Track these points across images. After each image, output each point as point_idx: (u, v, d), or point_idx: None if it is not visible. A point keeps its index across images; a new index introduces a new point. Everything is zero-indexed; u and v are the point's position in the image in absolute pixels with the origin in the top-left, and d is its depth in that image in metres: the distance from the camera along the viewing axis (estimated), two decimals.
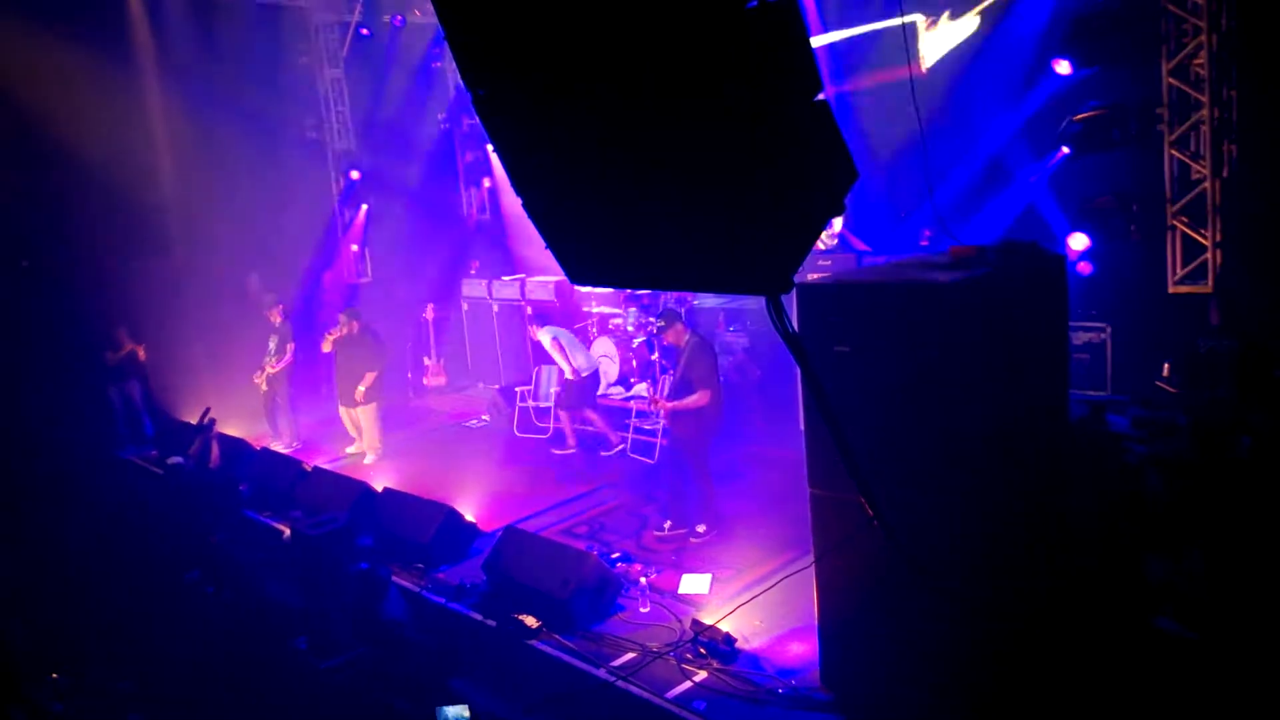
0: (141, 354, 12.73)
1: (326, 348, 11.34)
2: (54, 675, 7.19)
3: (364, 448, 11.56)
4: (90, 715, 7.22)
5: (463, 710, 5.99)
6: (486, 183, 15.93)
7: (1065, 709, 4.87)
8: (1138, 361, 8.68)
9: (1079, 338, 9.09)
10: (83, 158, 12.09)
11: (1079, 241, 9.19)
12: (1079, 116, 8.84)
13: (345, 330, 11.12)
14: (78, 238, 12.60)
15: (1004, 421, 4.89)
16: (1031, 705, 4.86)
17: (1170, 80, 8.32)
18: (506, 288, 13.52)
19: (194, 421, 10.80)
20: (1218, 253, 8.38)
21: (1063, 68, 8.97)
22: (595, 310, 11.98)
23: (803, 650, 6.04)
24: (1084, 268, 9.24)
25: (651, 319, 10.98)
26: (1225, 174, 8.24)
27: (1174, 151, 8.46)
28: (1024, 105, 9.89)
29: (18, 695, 6.60)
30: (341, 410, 11.55)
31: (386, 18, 14.82)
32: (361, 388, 11.08)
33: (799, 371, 3.88)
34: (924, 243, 10.37)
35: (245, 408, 12.25)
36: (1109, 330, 9.18)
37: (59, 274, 12.52)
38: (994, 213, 10.21)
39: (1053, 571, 5.21)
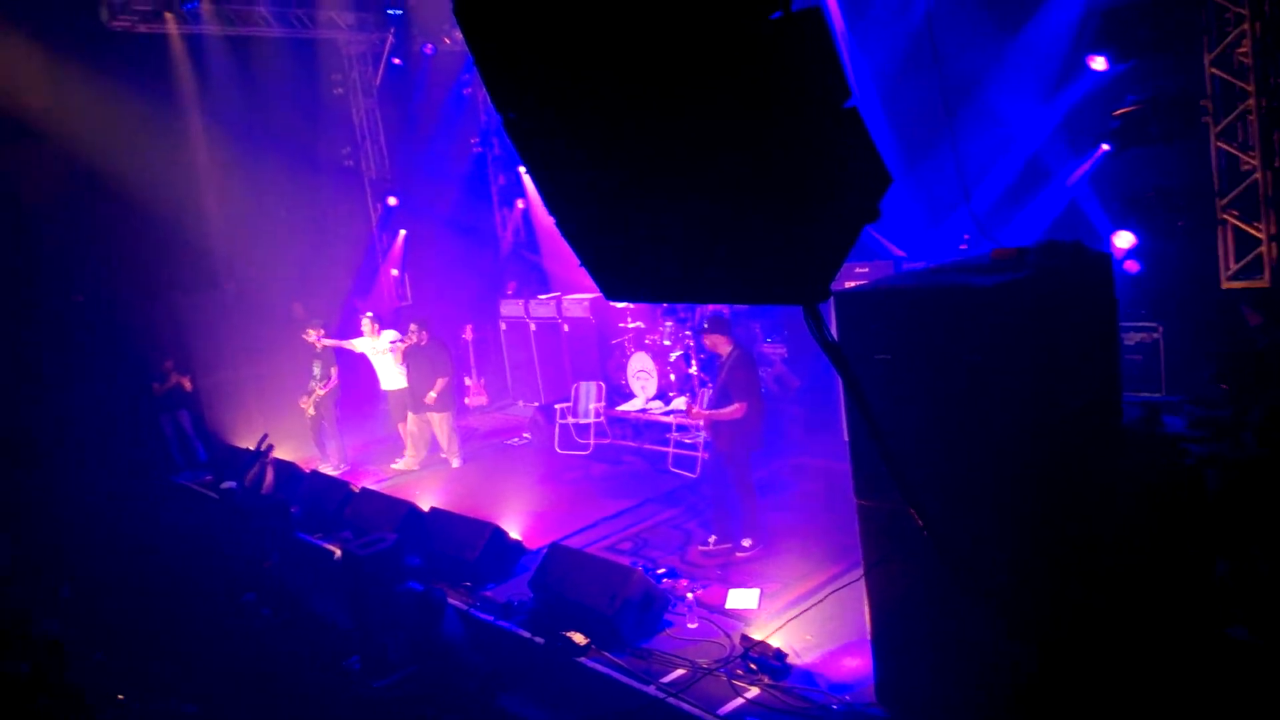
0: (187, 385, 13.07)
1: (398, 361, 11.71)
2: (120, 697, 7.31)
3: (413, 464, 11.87)
4: None
5: None
6: (520, 204, 16.07)
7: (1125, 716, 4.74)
8: (1192, 361, 8.47)
9: (1130, 338, 8.90)
10: (132, 195, 12.42)
11: (1124, 239, 9.01)
12: (1118, 112, 8.68)
13: (415, 339, 11.50)
14: (129, 273, 12.96)
15: (1054, 426, 4.80)
16: (1090, 715, 4.74)
17: (1213, 70, 8.14)
18: (543, 307, 13.60)
19: (249, 447, 11.01)
20: (1273, 246, 8.16)
21: (1098, 63, 8.83)
22: (631, 326, 11.99)
23: (856, 665, 5.94)
24: (1131, 266, 9.06)
25: (688, 332, 10.97)
26: (1277, 164, 8.04)
27: (1221, 143, 8.26)
28: (1060, 102, 9.73)
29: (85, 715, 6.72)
30: (409, 419, 11.86)
31: (418, 46, 15.04)
32: (433, 393, 11.38)
33: (840, 381, 3.85)
34: (963, 246, 10.23)
35: (293, 432, 12.45)
36: (1161, 330, 8.97)
37: (111, 308, 12.87)
38: (1034, 213, 10.05)
39: (1111, 580, 5.08)
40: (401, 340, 11.80)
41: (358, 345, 12.08)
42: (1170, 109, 8.38)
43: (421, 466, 11.91)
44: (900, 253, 10.80)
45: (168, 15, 12.72)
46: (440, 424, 11.73)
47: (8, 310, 11.75)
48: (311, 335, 12.08)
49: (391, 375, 11.96)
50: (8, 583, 9.15)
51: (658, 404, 11.19)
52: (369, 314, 12.28)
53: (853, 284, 7.35)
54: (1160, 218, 8.80)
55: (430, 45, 14.89)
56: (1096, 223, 9.64)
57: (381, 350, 11.97)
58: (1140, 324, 9.02)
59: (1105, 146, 8.94)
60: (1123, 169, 9.15)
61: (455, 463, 11.78)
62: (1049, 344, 4.78)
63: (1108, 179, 9.48)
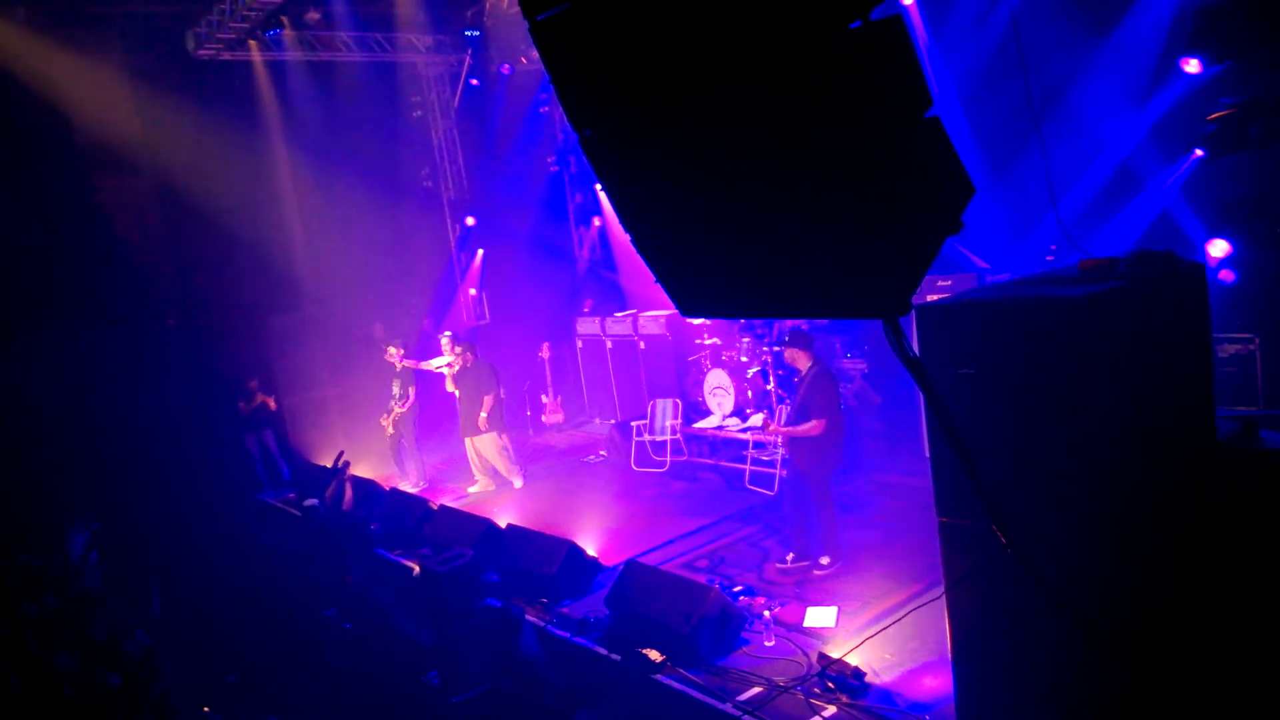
0: (272, 404, 13.43)
1: (450, 386, 11.71)
2: (206, 709, 7.52)
3: (488, 485, 11.81)
4: None
5: None
6: (597, 222, 16.19)
7: None
8: None
9: (1224, 350, 8.54)
10: (219, 220, 12.90)
11: (1219, 248, 8.67)
12: (1213, 116, 8.36)
13: (460, 362, 11.53)
14: (218, 297, 13.43)
15: (1144, 442, 4.62)
16: None
17: None
18: (619, 324, 13.65)
19: (329, 465, 11.25)
20: None
21: (1191, 66, 8.53)
22: (708, 342, 11.96)
23: (936, 684, 5.82)
24: (1226, 276, 8.70)
25: (765, 348, 10.88)
26: None
27: None
28: (1151, 107, 9.43)
29: None
30: (467, 445, 11.83)
31: (495, 67, 15.30)
32: (483, 414, 11.40)
33: (921, 396, 3.77)
34: (1050, 258, 9.97)
35: (374, 450, 12.71)
36: (1257, 341, 8.60)
37: (200, 331, 13.35)
38: (1125, 222, 9.75)
39: (1206, 600, 4.87)
40: (449, 365, 11.85)
41: (434, 364, 12.21)
42: (1269, 112, 8.04)
43: (498, 486, 11.99)
44: (984, 265, 10.58)
45: (251, 43, 13.15)
46: (490, 446, 11.65)
47: (104, 336, 12.25)
48: (392, 354, 12.30)
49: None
50: (103, 599, 9.50)
51: (734, 421, 11.13)
52: (447, 333, 12.40)
53: (935, 297, 7.21)
54: (1257, 225, 8.45)
55: (507, 65, 15.14)
56: (1190, 231, 9.31)
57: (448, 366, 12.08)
58: (1235, 335, 8.65)
59: (1199, 152, 8.63)
60: (1217, 175, 8.82)
61: (517, 483, 11.75)
62: (1140, 358, 4.61)
63: (1201, 186, 9.14)
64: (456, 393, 11.71)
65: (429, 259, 15.72)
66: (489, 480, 11.87)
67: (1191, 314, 5.11)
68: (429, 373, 12.41)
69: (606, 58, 2.41)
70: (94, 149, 12.36)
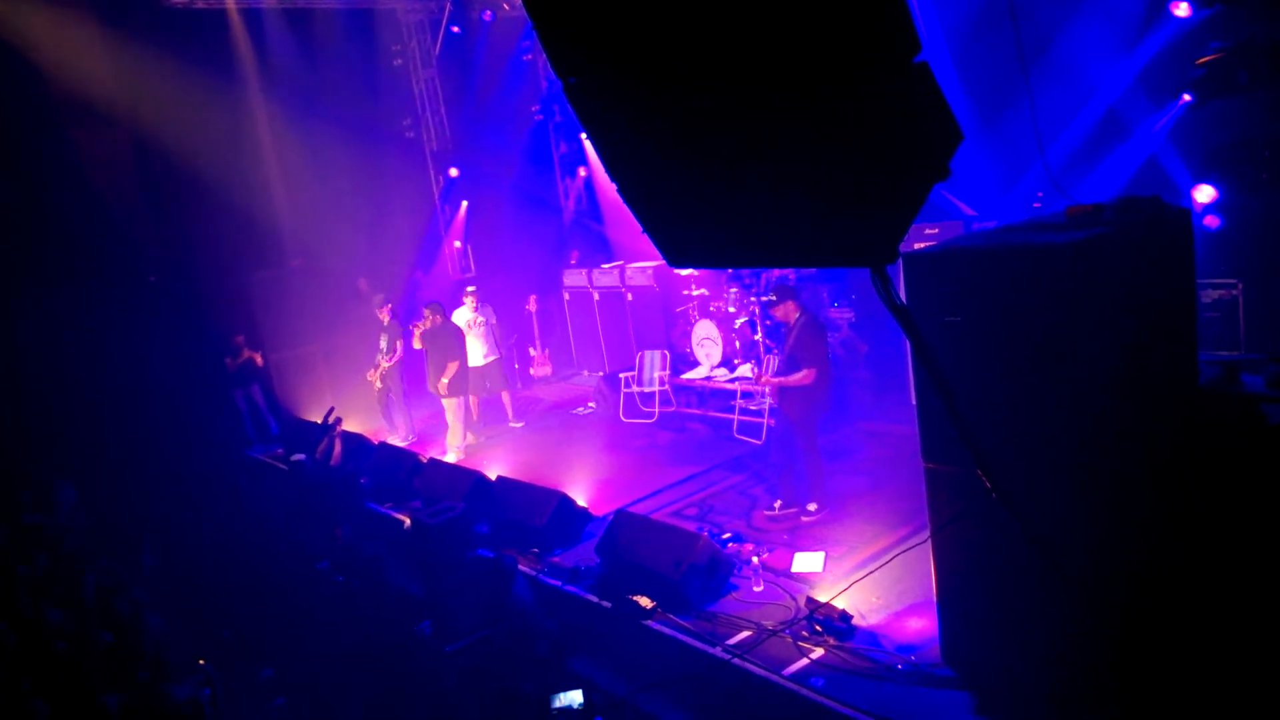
0: (259, 360, 13.37)
1: (417, 344, 11.57)
2: (201, 662, 7.61)
3: (470, 440, 11.78)
4: (239, 701, 7.63)
5: (576, 696, 6.07)
6: (582, 172, 16.04)
7: (1201, 687, 4.64)
8: (1273, 319, 8.16)
9: (1208, 296, 8.59)
10: (197, 174, 12.71)
11: (1205, 194, 8.68)
12: (1201, 60, 8.32)
13: (429, 323, 11.38)
14: (199, 252, 13.28)
15: (1127, 387, 4.67)
16: (1163, 682, 4.65)
17: None
18: (606, 276, 13.60)
19: (318, 420, 11.24)
20: None
21: (1181, 9, 8.47)
22: (695, 293, 11.95)
23: (922, 626, 5.93)
24: (1211, 221, 8.72)
25: (753, 299, 10.89)
26: None
27: None
28: (1140, 52, 9.36)
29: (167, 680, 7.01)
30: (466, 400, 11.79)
31: (476, 13, 15.03)
32: (444, 379, 11.26)
33: (908, 344, 3.78)
34: (1037, 204, 9.96)
35: (362, 404, 12.70)
36: (1240, 287, 8.64)
37: (183, 288, 13.23)
38: (1112, 168, 9.73)
39: (1188, 542, 4.96)
40: (475, 316, 11.77)
41: (456, 318, 11.96)
42: (1259, 56, 8.00)
43: (487, 438, 12.02)
44: (971, 212, 10.56)
45: None
46: (448, 409, 11.46)
47: (84, 294, 12.12)
48: (383, 311, 12.20)
49: (475, 350, 11.92)
50: (93, 557, 9.53)
51: (722, 371, 11.16)
52: (471, 288, 12.23)
53: (922, 245, 7.21)
54: (1243, 171, 8.45)
55: (489, 12, 14.89)
56: (1176, 177, 9.31)
57: (473, 324, 11.94)
58: (1219, 280, 8.69)
59: (1186, 97, 8.60)
60: (1205, 121, 8.80)
61: (452, 456, 11.29)
62: (1125, 304, 4.64)
63: (1188, 131, 9.12)
64: (423, 349, 11.57)
65: (412, 212, 15.55)
66: (472, 435, 11.89)
67: (1177, 260, 5.13)
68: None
69: (590, 3, 2.37)
70: (68, 102, 12.10)
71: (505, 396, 12.58)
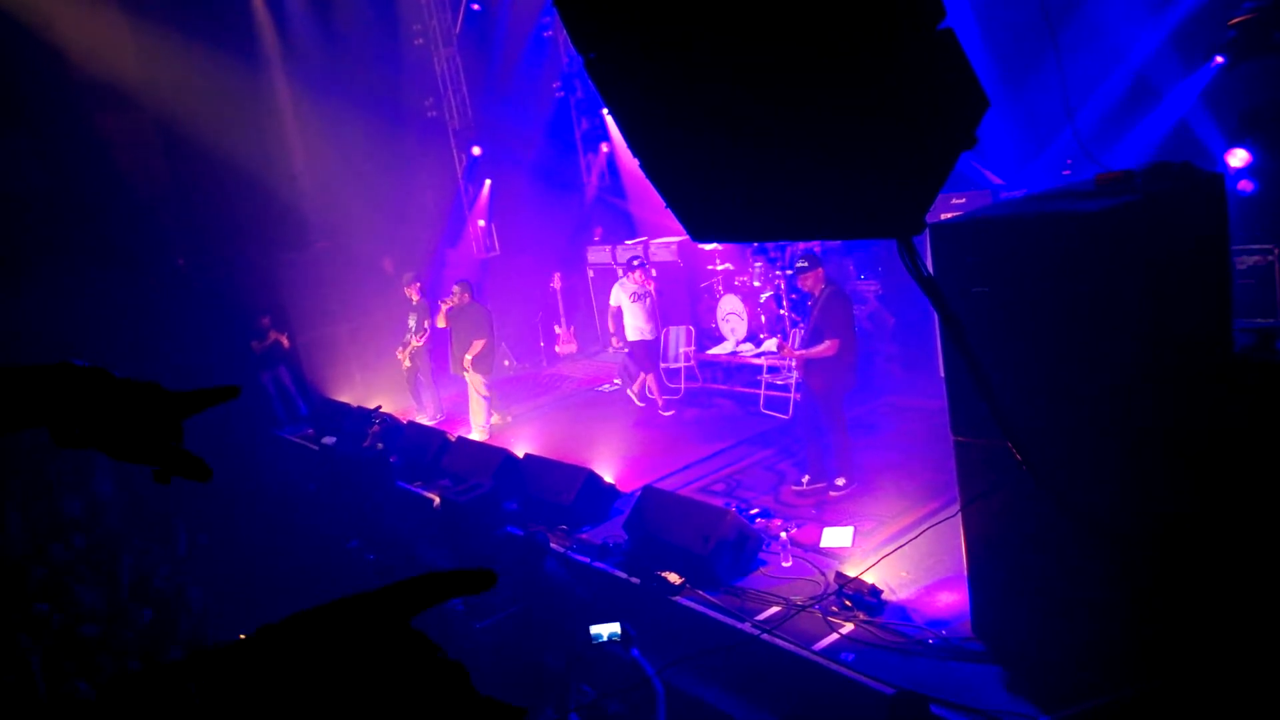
0: (285, 342, 13.45)
1: (441, 322, 11.47)
2: (243, 637, 7.72)
3: (497, 420, 11.70)
4: None
5: (614, 628, 6.11)
6: (605, 148, 15.95)
7: (1234, 656, 4.59)
8: None
9: (1243, 262, 8.42)
10: (223, 156, 12.76)
11: (1238, 158, 8.51)
12: (1234, 20, 8.13)
13: (456, 301, 11.23)
14: (226, 236, 13.36)
15: (1161, 356, 4.60)
16: (1195, 651, 4.60)
17: None
18: (630, 252, 13.54)
19: (353, 404, 11.21)
20: None
21: None
22: (720, 268, 11.89)
23: (952, 600, 5.90)
24: (1245, 186, 8.55)
25: (778, 273, 10.82)
26: None
27: None
28: (1170, 13, 9.17)
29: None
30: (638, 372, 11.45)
31: None
32: (468, 356, 11.13)
33: (936, 316, 3.73)
34: (1066, 173, 9.80)
35: (390, 383, 12.79)
36: (1276, 252, 8.47)
37: (211, 270, 13.32)
38: (1142, 134, 9.55)
39: (1219, 511, 4.89)
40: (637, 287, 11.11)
41: (616, 295, 11.34)
42: None
43: (514, 417, 12.02)
44: (999, 181, 10.41)
45: None
46: (474, 387, 11.32)
47: (113, 277, 12.23)
48: (412, 290, 12.21)
49: (634, 325, 11.13)
50: (128, 536, 9.68)
51: (748, 346, 11.13)
52: (637, 259, 11.50)
53: (949, 215, 7.12)
54: (1278, 133, 8.27)
55: None
56: (1208, 141, 9.12)
57: (632, 295, 11.14)
58: (1254, 246, 8.53)
59: (1219, 59, 8.41)
60: (1237, 82, 8.61)
61: (477, 435, 11.18)
62: (1157, 271, 4.56)
63: (1221, 94, 8.93)
64: (447, 327, 11.44)
65: (436, 191, 15.58)
66: (501, 414, 11.90)
67: (1209, 226, 5.03)
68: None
69: None
70: (93, 86, 12.19)
71: (650, 380, 11.45)
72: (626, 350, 11.44)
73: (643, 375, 11.34)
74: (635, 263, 11.23)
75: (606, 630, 6.13)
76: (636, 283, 11.02)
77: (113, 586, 8.17)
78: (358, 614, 0.72)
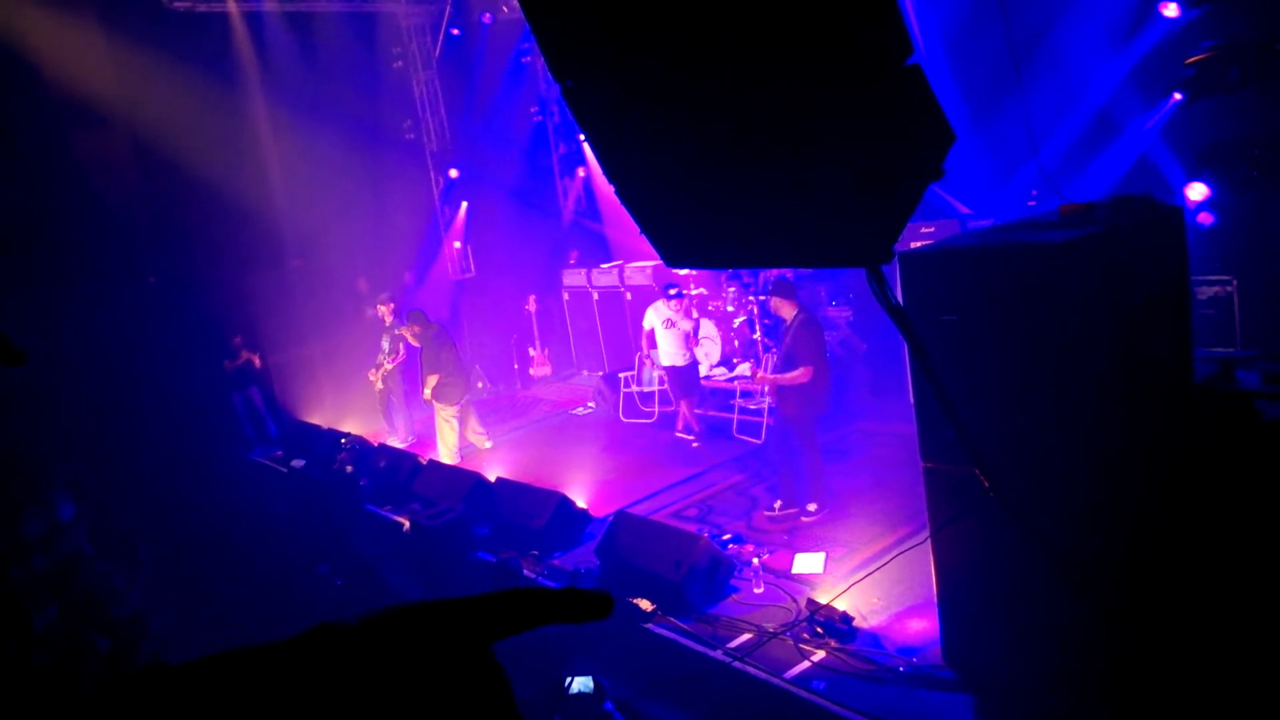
0: (257, 361, 13.34)
1: (415, 341, 11.15)
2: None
3: (479, 441, 11.53)
4: None
5: (588, 681, 6.09)
6: (581, 173, 16.07)
7: (1200, 684, 4.66)
8: (1268, 315, 8.19)
9: (1203, 293, 8.63)
10: (198, 175, 12.70)
11: (1197, 191, 8.72)
12: (1191, 59, 8.36)
13: (409, 334, 10.98)
14: (199, 254, 13.26)
15: (1124, 384, 4.70)
16: (1162, 680, 4.67)
17: None
18: (605, 275, 13.63)
19: (321, 424, 11.12)
20: None
21: (1170, 10, 8.51)
22: (694, 292, 11.97)
23: (923, 627, 5.94)
24: (1204, 219, 8.77)
25: (751, 297, 10.90)
26: None
27: None
28: (1130, 51, 9.43)
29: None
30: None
31: (475, 16, 15.07)
32: (426, 391, 10.83)
33: (906, 344, 3.80)
34: (1031, 203, 10.00)
35: (362, 405, 12.72)
36: (1235, 283, 8.69)
37: (183, 289, 13.21)
38: (1104, 167, 9.78)
39: (1185, 537, 4.98)
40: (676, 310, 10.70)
41: (649, 317, 10.94)
42: (1248, 55, 8.04)
43: (490, 441, 11.92)
44: (967, 210, 10.61)
45: None
46: (440, 415, 11.07)
47: (85, 295, 12.12)
48: (383, 310, 12.18)
49: (666, 350, 10.70)
50: (89, 561, 9.53)
51: (721, 370, 11.19)
52: (675, 288, 11.02)
53: (918, 244, 7.24)
54: (1235, 168, 8.49)
55: (488, 14, 14.92)
56: (1169, 175, 9.36)
57: (665, 321, 10.72)
58: (1213, 277, 8.73)
59: (1177, 96, 8.63)
60: (1195, 119, 8.85)
61: (447, 459, 10.86)
62: (1119, 301, 4.66)
63: (1180, 130, 9.17)
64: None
65: (412, 212, 15.57)
66: (477, 436, 11.81)
67: (1170, 257, 5.16)
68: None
69: (586, 6, 2.40)
70: (69, 104, 12.12)
71: (685, 408, 10.98)
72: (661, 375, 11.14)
73: (681, 402, 10.97)
74: (672, 291, 10.78)
75: (579, 682, 6.11)
76: (672, 310, 10.68)
77: (70, 612, 8.03)
78: (440, 626, 0.60)
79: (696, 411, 10.88)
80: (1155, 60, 9.17)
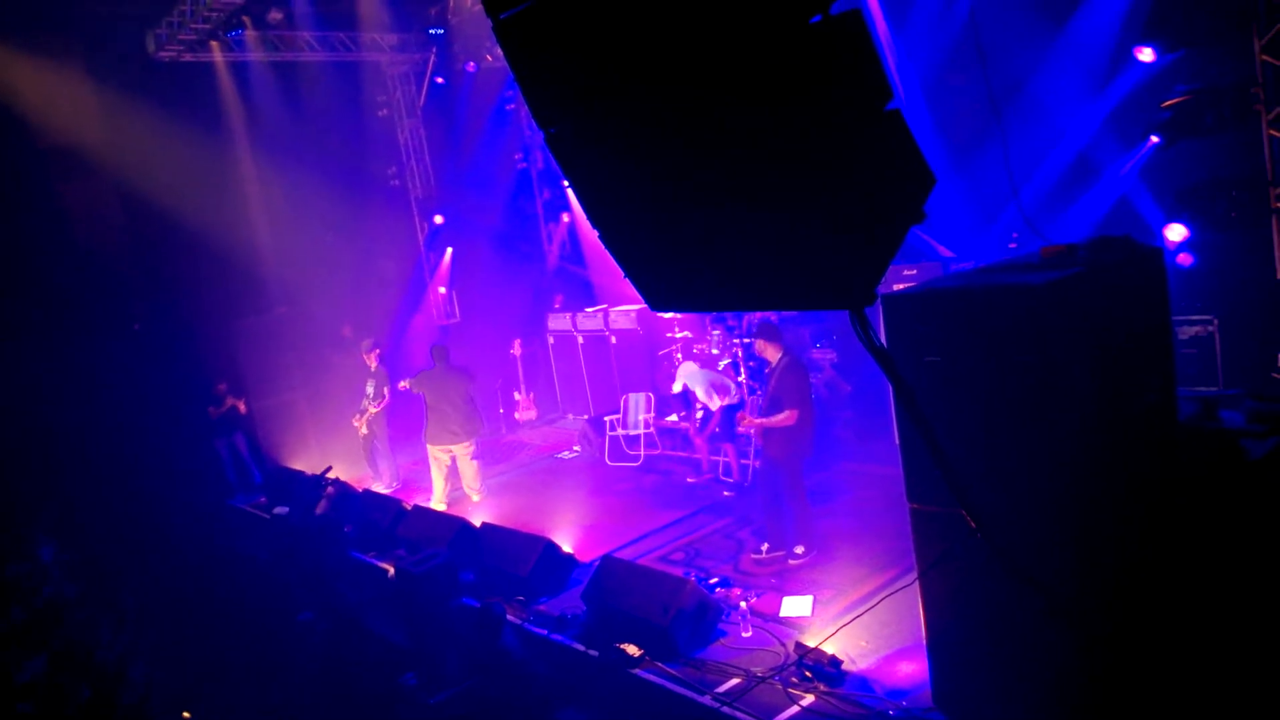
0: (241, 408, 13.27)
1: (415, 387, 11.23)
2: (186, 715, 7.47)
3: (436, 497, 11.28)
4: None
5: None
6: (565, 218, 16.17)
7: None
8: (1249, 354, 8.27)
9: (1184, 332, 8.71)
10: (184, 223, 12.75)
11: (1176, 232, 8.83)
12: (1168, 103, 8.52)
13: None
14: (184, 301, 13.29)
15: (1108, 424, 4.71)
16: (1152, 718, 4.64)
17: (1264, 57, 7.95)
18: (590, 319, 13.65)
19: (306, 470, 11.02)
20: None
21: (1145, 55, 8.68)
22: (679, 336, 12.00)
23: (912, 670, 5.88)
24: (1184, 259, 8.87)
25: (736, 340, 10.93)
26: None
27: (1273, 132, 8.07)
28: (1108, 96, 9.61)
29: None
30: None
31: (460, 65, 15.24)
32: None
33: (891, 385, 3.81)
34: (1012, 245, 10.11)
35: (347, 451, 12.62)
36: (1216, 323, 8.78)
37: (168, 336, 13.19)
38: (1084, 209, 9.92)
39: (1173, 580, 4.97)
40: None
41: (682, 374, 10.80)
42: (1223, 99, 8.20)
43: (488, 491, 11.60)
44: (949, 253, 10.71)
45: (213, 44, 12.98)
46: (458, 454, 11.05)
47: (70, 342, 12.07)
48: (370, 357, 12.12)
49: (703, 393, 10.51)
50: (73, 609, 9.38)
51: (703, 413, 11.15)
52: (716, 331, 10.96)
53: (901, 286, 7.29)
54: (1212, 210, 8.61)
55: (472, 63, 15.08)
56: (1148, 216, 9.49)
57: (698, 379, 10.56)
58: (1194, 317, 8.83)
59: (1155, 139, 8.78)
60: (1173, 161, 8.99)
61: (437, 504, 10.96)
62: (1102, 341, 4.70)
63: (1158, 172, 9.32)
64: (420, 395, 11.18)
65: (397, 258, 15.64)
66: (474, 491, 11.55)
67: (1151, 297, 5.21)
68: (403, 375, 12.04)
69: (570, 55, 2.43)
70: (56, 153, 12.18)
71: (730, 451, 10.52)
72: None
73: (726, 446, 10.55)
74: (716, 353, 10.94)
75: None
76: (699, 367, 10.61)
77: (54, 660, 7.88)
78: None
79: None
80: (1132, 104, 9.34)
